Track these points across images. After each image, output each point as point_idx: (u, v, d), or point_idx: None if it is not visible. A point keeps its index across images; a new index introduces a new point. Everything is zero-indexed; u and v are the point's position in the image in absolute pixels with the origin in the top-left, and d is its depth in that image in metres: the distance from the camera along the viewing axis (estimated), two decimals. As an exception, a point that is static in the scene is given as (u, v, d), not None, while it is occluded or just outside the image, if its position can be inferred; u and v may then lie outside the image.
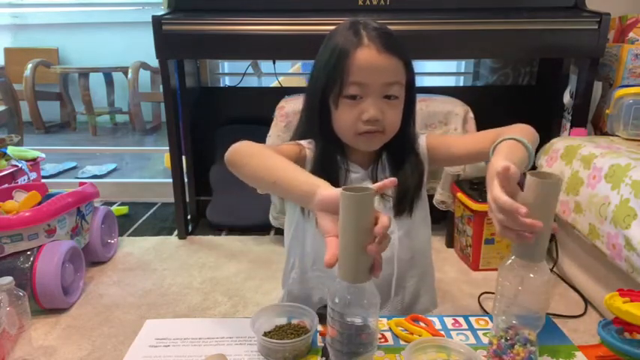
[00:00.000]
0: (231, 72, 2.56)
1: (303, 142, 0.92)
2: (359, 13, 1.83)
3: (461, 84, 2.61)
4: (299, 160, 0.87)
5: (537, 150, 1.79)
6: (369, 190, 0.54)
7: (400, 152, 0.91)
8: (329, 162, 0.89)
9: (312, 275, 0.94)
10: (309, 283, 0.95)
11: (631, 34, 1.89)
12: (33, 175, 2.10)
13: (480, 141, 0.86)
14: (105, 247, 1.86)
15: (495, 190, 0.59)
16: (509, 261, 0.59)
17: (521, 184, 0.58)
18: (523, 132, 0.80)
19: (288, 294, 0.98)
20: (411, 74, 0.86)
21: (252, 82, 2.55)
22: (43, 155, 2.23)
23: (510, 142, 0.75)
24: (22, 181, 2.02)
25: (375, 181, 0.90)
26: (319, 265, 0.93)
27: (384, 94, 0.82)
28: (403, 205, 0.90)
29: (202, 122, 2.28)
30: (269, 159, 0.77)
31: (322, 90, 0.84)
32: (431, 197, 1.99)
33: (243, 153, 0.81)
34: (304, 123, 0.93)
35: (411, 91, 0.88)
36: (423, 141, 0.95)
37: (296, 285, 0.97)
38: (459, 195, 1.81)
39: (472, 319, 0.77)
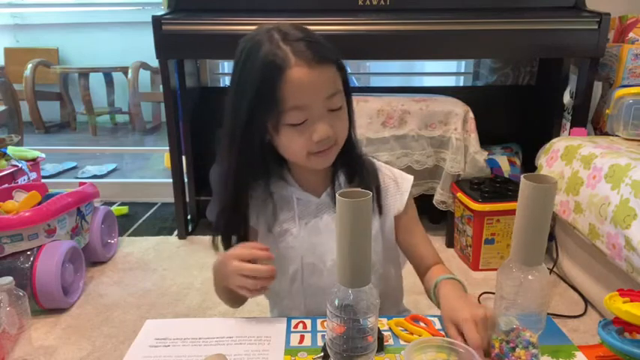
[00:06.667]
0: (231, 72, 2.56)
1: None
2: (359, 13, 1.83)
3: (461, 84, 2.61)
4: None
5: (537, 150, 1.81)
6: (365, 195, 0.53)
7: (352, 163, 0.84)
8: (243, 204, 0.82)
9: (295, 290, 0.89)
10: (296, 299, 0.90)
11: (631, 34, 1.89)
12: (33, 175, 2.10)
13: (422, 252, 0.89)
14: (105, 247, 1.86)
15: (472, 334, 0.63)
16: (508, 263, 0.59)
17: None
18: (447, 269, 0.86)
19: (281, 312, 0.95)
20: (344, 74, 0.78)
21: (252, 82, 2.55)
22: (43, 155, 2.24)
23: (453, 283, 0.78)
24: (22, 181, 2.02)
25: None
26: (299, 279, 0.88)
27: (328, 109, 0.74)
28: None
29: (202, 122, 2.28)
30: (215, 285, 0.84)
31: (254, 114, 0.74)
32: (431, 197, 1.99)
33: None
34: (234, 155, 0.79)
35: (347, 92, 0.79)
36: (407, 182, 0.89)
37: (288, 305, 0.93)
38: (459, 195, 1.81)
39: (472, 319, 0.77)
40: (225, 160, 0.80)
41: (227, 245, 0.84)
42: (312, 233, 0.83)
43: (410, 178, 0.89)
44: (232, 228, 0.84)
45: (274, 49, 0.72)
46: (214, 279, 0.83)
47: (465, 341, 0.63)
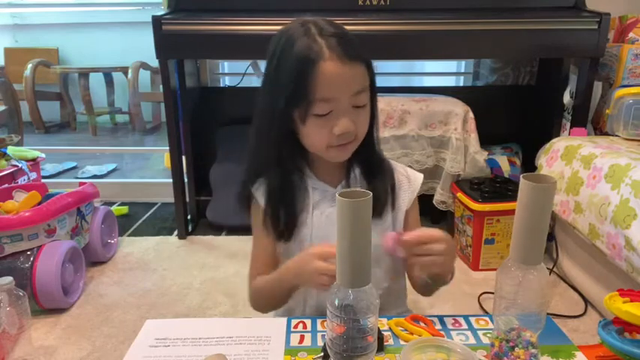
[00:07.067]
0: (231, 72, 2.56)
1: (254, 189, 0.88)
2: (359, 13, 1.83)
3: (461, 84, 2.61)
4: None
5: (537, 150, 1.81)
6: (365, 195, 0.53)
7: (370, 159, 0.88)
8: (289, 189, 0.85)
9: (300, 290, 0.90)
10: (305, 292, 0.91)
11: (631, 34, 1.89)
12: (33, 175, 2.10)
13: None
14: (105, 247, 1.86)
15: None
16: (508, 263, 0.59)
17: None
18: None
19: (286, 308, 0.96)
20: (372, 74, 0.82)
21: (252, 82, 2.55)
22: (43, 155, 2.24)
23: None
24: (22, 181, 2.02)
25: None
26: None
27: (353, 105, 0.78)
28: (376, 209, 0.87)
29: (202, 122, 2.28)
30: (266, 288, 0.87)
31: (285, 105, 0.78)
32: (431, 197, 1.99)
33: (256, 298, 0.91)
34: (263, 138, 0.84)
35: (372, 91, 0.83)
36: (418, 180, 0.93)
37: (295, 299, 0.93)
38: (459, 195, 1.81)
39: (472, 319, 0.77)
40: (265, 153, 0.85)
41: (275, 231, 0.87)
42: (328, 223, 0.85)
43: (420, 176, 0.94)
44: (279, 214, 0.86)
45: (310, 42, 0.76)
46: (281, 280, 0.83)
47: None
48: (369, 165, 0.88)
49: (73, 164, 3.18)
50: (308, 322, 0.76)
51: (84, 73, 3.78)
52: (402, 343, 0.71)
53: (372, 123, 0.85)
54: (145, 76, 3.80)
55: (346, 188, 0.87)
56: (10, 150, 2.08)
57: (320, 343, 0.70)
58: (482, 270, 1.78)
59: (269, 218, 0.87)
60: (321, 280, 0.73)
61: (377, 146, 0.89)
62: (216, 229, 2.15)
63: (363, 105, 0.80)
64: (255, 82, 2.56)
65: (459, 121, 1.86)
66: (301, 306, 0.91)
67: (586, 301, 1.56)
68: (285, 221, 0.86)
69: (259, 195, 0.88)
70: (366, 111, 0.82)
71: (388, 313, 0.83)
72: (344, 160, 0.85)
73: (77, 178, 2.93)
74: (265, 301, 0.90)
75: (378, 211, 0.88)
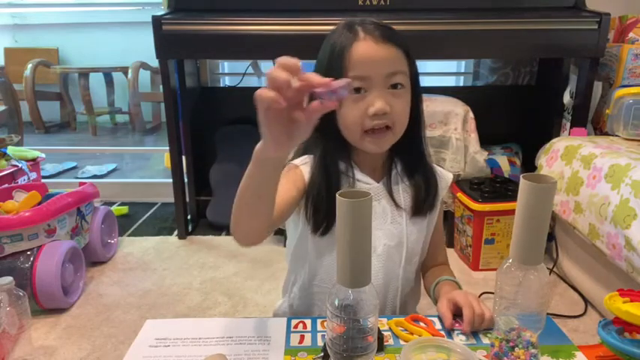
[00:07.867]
0: (231, 72, 2.56)
1: (297, 160, 0.86)
2: (359, 13, 1.83)
3: (461, 84, 2.61)
4: (298, 181, 0.83)
5: (537, 150, 1.81)
6: (366, 196, 0.53)
7: (413, 158, 0.88)
8: (334, 168, 0.84)
9: (313, 290, 0.91)
10: (311, 297, 0.92)
11: (631, 34, 1.89)
12: (33, 175, 2.10)
13: (434, 250, 0.96)
14: (105, 247, 1.86)
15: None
16: (507, 263, 0.59)
17: None
18: (451, 272, 0.96)
19: (290, 307, 0.96)
20: (413, 66, 0.82)
21: (252, 82, 2.55)
22: (43, 155, 2.24)
23: (453, 285, 0.89)
24: (22, 181, 2.02)
25: (390, 193, 0.87)
26: (320, 282, 0.90)
27: (389, 85, 0.78)
28: (420, 211, 0.88)
29: (202, 122, 2.28)
30: (241, 184, 0.67)
31: None
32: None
33: (234, 210, 0.69)
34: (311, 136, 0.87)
35: (416, 85, 0.83)
36: (448, 178, 0.94)
37: (297, 300, 0.94)
38: (459, 195, 1.81)
39: (472, 319, 0.77)
40: (312, 147, 0.86)
41: (314, 221, 0.84)
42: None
43: (450, 175, 0.95)
44: (322, 200, 0.83)
45: (349, 29, 0.80)
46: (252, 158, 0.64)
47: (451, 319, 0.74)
48: (412, 163, 0.88)
49: (73, 164, 3.18)
50: (308, 322, 0.76)
51: (84, 73, 3.78)
52: (402, 343, 0.71)
53: (417, 119, 0.85)
54: (145, 76, 3.80)
55: (388, 184, 0.88)
56: (10, 150, 2.08)
57: (320, 343, 0.70)
58: (482, 270, 1.78)
59: (310, 205, 0.83)
60: (266, 94, 0.50)
61: (423, 144, 0.89)
62: (216, 229, 2.15)
63: (401, 86, 0.79)
64: (256, 82, 2.57)
65: (459, 121, 1.86)
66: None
67: (586, 301, 1.56)
68: (326, 211, 0.81)
69: (305, 168, 0.84)
70: (404, 99, 0.80)
71: (407, 313, 0.84)
72: (380, 152, 0.84)
73: (77, 178, 2.93)
74: (242, 204, 0.68)
75: (424, 211, 0.89)
